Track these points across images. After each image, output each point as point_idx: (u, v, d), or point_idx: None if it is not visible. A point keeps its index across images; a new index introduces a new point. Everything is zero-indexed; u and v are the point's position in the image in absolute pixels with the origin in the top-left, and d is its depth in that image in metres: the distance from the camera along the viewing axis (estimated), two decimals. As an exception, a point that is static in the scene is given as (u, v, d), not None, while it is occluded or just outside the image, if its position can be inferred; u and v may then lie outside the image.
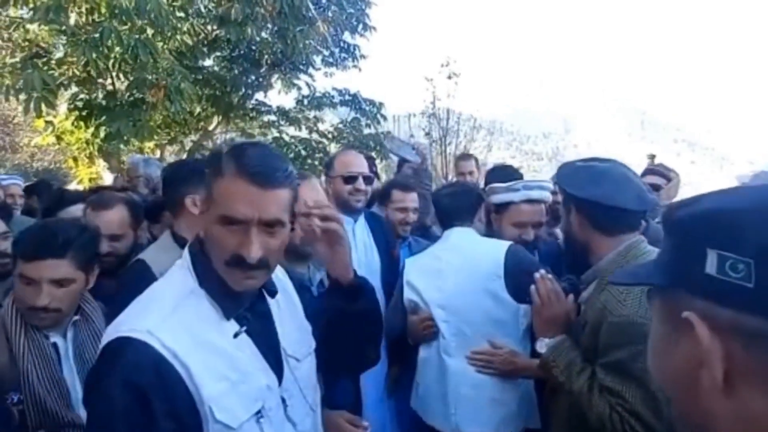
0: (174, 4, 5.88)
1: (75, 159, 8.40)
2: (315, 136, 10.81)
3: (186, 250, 1.16)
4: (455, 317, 1.92)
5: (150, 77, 5.22)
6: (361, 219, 2.66)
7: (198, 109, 9.73)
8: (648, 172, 3.31)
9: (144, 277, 1.65)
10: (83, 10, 4.95)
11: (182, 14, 6.25)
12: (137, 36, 4.78)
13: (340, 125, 10.73)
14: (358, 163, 2.57)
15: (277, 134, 10.91)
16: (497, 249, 1.92)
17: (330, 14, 8.38)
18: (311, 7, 8.28)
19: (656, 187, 3.21)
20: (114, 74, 5.68)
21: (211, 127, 10.65)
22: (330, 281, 1.36)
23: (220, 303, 1.08)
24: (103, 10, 4.93)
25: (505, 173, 2.68)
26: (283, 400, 1.13)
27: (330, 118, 11.54)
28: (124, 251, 2.13)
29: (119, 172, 7.58)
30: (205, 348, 1.02)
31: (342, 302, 1.28)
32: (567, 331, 1.54)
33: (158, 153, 10.54)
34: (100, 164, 8.64)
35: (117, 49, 4.69)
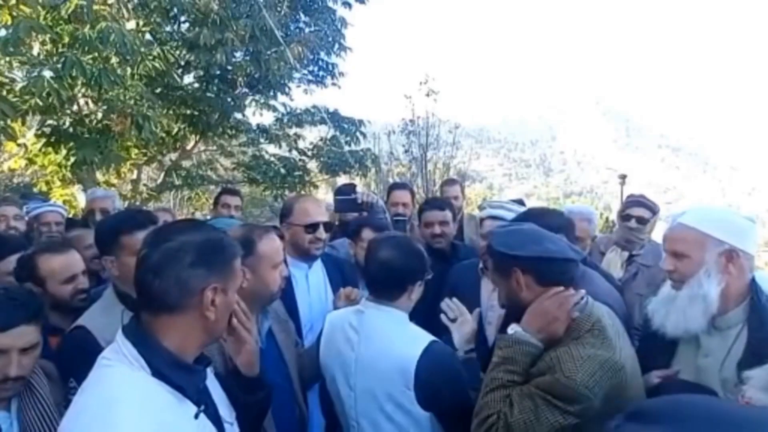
0: (143, 29, 5.86)
1: (47, 182, 8.30)
2: (294, 153, 10.82)
3: (124, 340, 1.10)
4: (364, 421, 1.71)
5: (118, 104, 5.17)
6: (317, 264, 2.64)
7: (175, 129, 9.69)
8: (635, 203, 3.20)
9: (85, 349, 1.59)
10: (46, 39, 4.92)
11: (150, 38, 6.22)
12: (101, 65, 4.73)
13: (320, 142, 10.73)
14: (318, 212, 2.54)
15: (256, 152, 10.92)
16: (411, 351, 1.59)
17: (307, 33, 8.41)
18: (287, 29, 8.33)
19: (642, 220, 3.12)
20: (82, 101, 5.61)
21: (189, 146, 10.59)
22: (232, 366, 1.44)
23: (177, 387, 1.07)
24: (66, 40, 4.90)
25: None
26: None
27: (311, 136, 11.53)
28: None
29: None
30: None
31: (238, 391, 1.37)
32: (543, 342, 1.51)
33: (135, 173, 10.47)
34: (76, 186, 8.56)
35: (80, 78, 4.65)
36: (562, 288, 1.53)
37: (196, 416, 1.09)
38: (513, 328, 1.53)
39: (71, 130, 5.75)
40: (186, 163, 11.14)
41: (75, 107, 5.83)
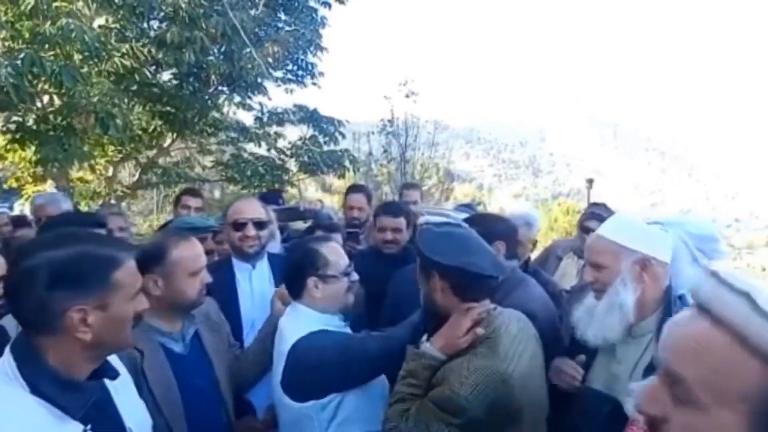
0: (112, 26, 5.78)
1: (17, 179, 8.17)
2: (273, 152, 10.76)
3: (8, 355, 1.06)
4: (277, 408, 1.84)
5: (82, 102, 5.10)
6: (262, 263, 2.63)
7: (152, 126, 9.58)
8: (593, 216, 3.22)
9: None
10: (7, 36, 4.82)
11: (120, 36, 6.14)
12: (62, 63, 4.66)
13: (299, 142, 10.69)
14: (248, 210, 2.54)
15: (235, 151, 10.83)
16: (287, 344, 1.71)
17: (284, 33, 8.35)
18: (265, 27, 8.27)
19: None
20: (45, 98, 5.52)
21: (166, 144, 10.48)
22: None
23: (60, 405, 1.03)
24: (27, 36, 4.81)
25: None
26: None
27: (291, 135, 11.46)
28: None
29: (66, 190, 7.41)
30: None
31: None
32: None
33: (111, 170, 10.33)
34: (48, 182, 8.43)
35: (42, 75, 4.57)
36: (473, 305, 1.53)
37: None
38: (423, 341, 1.56)
39: (35, 127, 5.66)
40: (164, 161, 11.03)
41: (39, 104, 5.73)
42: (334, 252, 1.86)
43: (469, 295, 1.54)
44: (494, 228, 2.21)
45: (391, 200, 3.61)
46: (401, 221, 2.91)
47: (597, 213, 3.27)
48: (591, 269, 1.79)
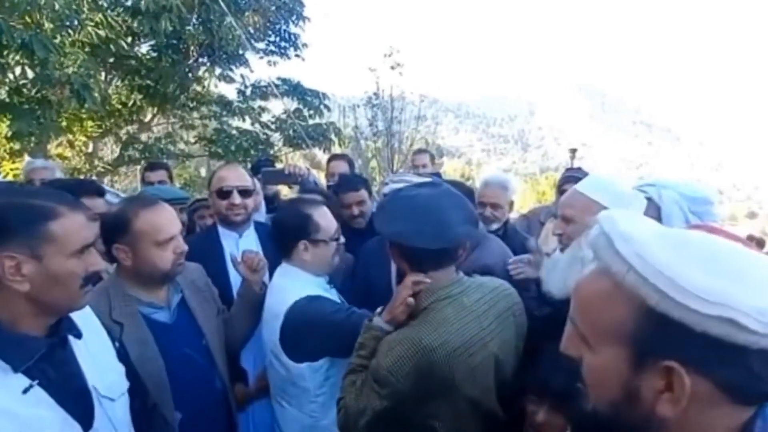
0: (83, -7, 5.57)
1: (-8, 155, 7.98)
2: (258, 127, 10.61)
3: None
4: (268, 365, 1.86)
5: (55, 73, 4.95)
6: (249, 232, 2.60)
7: (132, 100, 9.37)
8: (569, 179, 3.22)
9: None
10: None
11: (93, 4, 5.92)
12: (33, 32, 4.50)
13: (283, 116, 10.53)
14: (232, 177, 2.48)
15: (218, 125, 10.66)
16: (285, 304, 1.69)
17: (264, 2, 8.12)
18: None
19: None
20: (18, 70, 5.35)
21: (147, 119, 10.26)
22: None
23: (3, 357, 1.01)
24: (-7, 4, 4.63)
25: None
26: None
27: (275, 109, 11.27)
28: None
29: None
30: None
31: None
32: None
33: (90, 146, 10.13)
34: (25, 158, 8.26)
35: (13, 45, 4.42)
36: (416, 275, 1.41)
37: (25, 391, 1.02)
38: (376, 315, 1.52)
39: (8, 100, 5.49)
40: (145, 137, 10.81)
41: (11, 76, 5.55)
42: (325, 217, 1.84)
43: (418, 266, 1.39)
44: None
45: (346, 174, 3.54)
46: (363, 193, 2.86)
47: (574, 176, 3.32)
48: (561, 222, 1.81)
